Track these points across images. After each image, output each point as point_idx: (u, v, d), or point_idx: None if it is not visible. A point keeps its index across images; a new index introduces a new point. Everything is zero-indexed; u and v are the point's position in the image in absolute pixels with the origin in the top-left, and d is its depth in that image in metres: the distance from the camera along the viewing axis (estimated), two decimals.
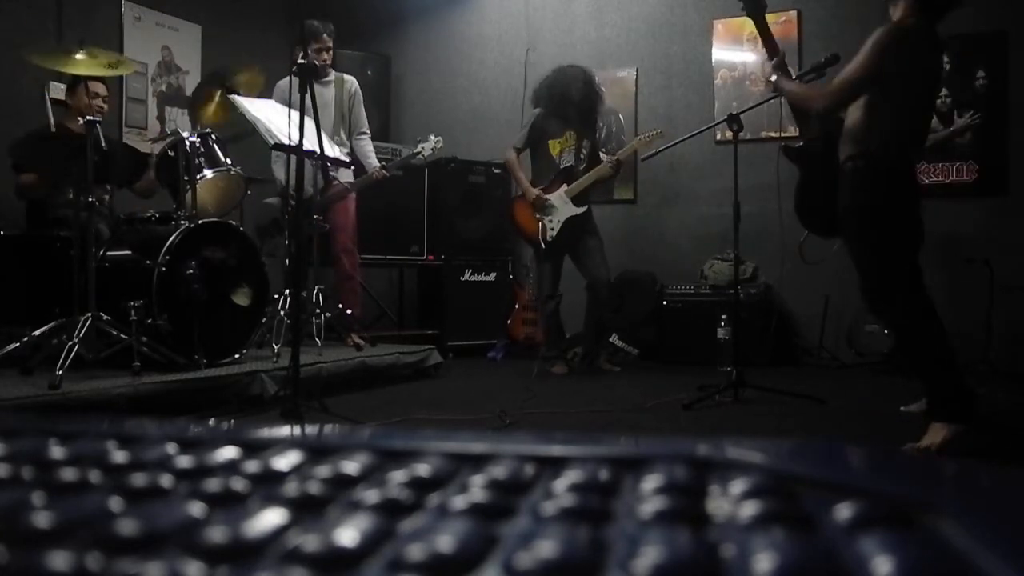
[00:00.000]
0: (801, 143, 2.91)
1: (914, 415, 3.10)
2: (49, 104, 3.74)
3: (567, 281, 4.77)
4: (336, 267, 4.66)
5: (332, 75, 4.68)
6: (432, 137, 4.62)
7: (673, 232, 5.75)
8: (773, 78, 2.85)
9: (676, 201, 5.76)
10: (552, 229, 4.58)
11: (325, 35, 4.54)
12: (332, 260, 4.63)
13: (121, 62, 3.67)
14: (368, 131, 4.80)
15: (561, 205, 4.59)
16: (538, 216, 4.60)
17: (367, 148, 4.74)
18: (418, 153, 4.60)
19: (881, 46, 2.66)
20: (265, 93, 4.14)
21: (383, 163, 4.70)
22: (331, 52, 4.64)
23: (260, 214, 4.57)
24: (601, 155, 4.77)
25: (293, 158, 3.12)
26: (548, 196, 4.58)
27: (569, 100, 4.56)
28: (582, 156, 4.66)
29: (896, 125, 2.71)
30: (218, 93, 3.97)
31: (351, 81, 4.78)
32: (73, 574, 0.18)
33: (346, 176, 4.62)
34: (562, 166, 4.64)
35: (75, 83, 3.89)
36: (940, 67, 2.91)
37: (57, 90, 4.56)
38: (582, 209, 4.61)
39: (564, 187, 4.61)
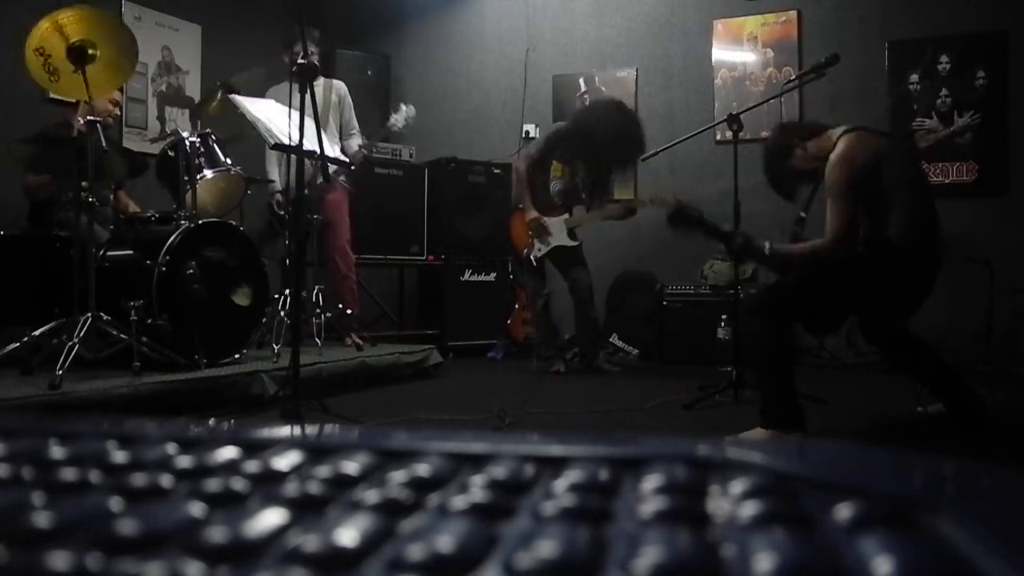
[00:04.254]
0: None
1: (930, 416, 3.11)
2: (81, 112, 3.71)
3: (562, 282, 4.78)
4: (330, 267, 4.66)
5: (321, 80, 4.68)
6: (403, 107, 4.59)
7: (673, 232, 5.74)
8: (768, 248, 2.86)
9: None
10: (539, 251, 4.62)
11: (308, 42, 4.53)
12: (326, 260, 4.63)
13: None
14: (357, 131, 4.79)
15: (556, 232, 4.61)
16: (530, 234, 4.62)
17: (354, 143, 4.75)
18: (391, 125, 4.59)
19: (845, 179, 2.72)
20: (261, 92, 4.14)
21: (363, 150, 4.66)
22: (315, 57, 4.63)
23: (257, 219, 4.57)
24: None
25: (292, 157, 3.12)
26: (547, 222, 4.59)
27: (599, 141, 4.42)
28: (579, 188, 4.64)
29: (895, 224, 2.75)
30: (219, 93, 3.97)
31: (340, 85, 4.80)
32: (73, 574, 0.18)
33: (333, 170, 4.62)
34: (551, 191, 4.65)
35: None
36: (901, 154, 2.96)
37: None
38: (574, 244, 4.64)
39: (566, 216, 4.62)
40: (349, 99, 4.79)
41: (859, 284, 2.79)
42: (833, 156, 2.76)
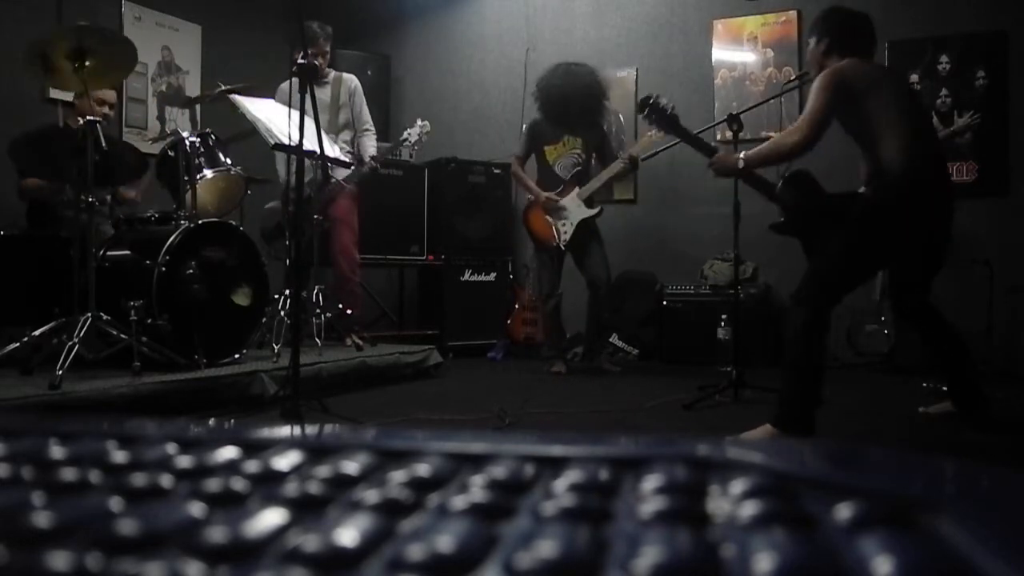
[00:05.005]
0: (783, 218, 2.96)
1: (931, 416, 3.11)
2: (61, 108, 3.72)
3: (567, 281, 4.77)
4: (334, 269, 4.65)
5: (331, 74, 4.68)
6: (419, 122, 4.54)
7: (673, 232, 5.75)
8: (741, 155, 2.88)
9: (676, 201, 5.75)
10: (566, 232, 4.61)
11: (322, 39, 4.54)
12: (330, 261, 4.62)
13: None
14: (371, 127, 4.74)
15: (574, 208, 4.61)
16: (550, 220, 4.62)
17: (367, 143, 4.72)
18: (404, 140, 4.52)
19: (825, 87, 2.72)
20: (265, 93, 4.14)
21: (374, 162, 4.66)
22: (327, 56, 4.64)
23: (264, 218, 4.56)
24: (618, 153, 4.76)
25: (293, 158, 3.12)
26: (560, 199, 4.60)
27: (567, 102, 4.55)
28: (582, 158, 4.67)
29: (895, 151, 2.69)
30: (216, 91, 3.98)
31: (351, 79, 4.76)
32: (73, 574, 0.18)
33: (343, 175, 4.61)
34: (558, 173, 4.66)
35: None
36: (896, 84, 2.90)
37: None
38: (595, 210, 4.63)
39: (577, 189, 4.63)
40: (361, 93, 4.75)
41: (881, 227, 2.69)
42: (830, 67, 2.76)
